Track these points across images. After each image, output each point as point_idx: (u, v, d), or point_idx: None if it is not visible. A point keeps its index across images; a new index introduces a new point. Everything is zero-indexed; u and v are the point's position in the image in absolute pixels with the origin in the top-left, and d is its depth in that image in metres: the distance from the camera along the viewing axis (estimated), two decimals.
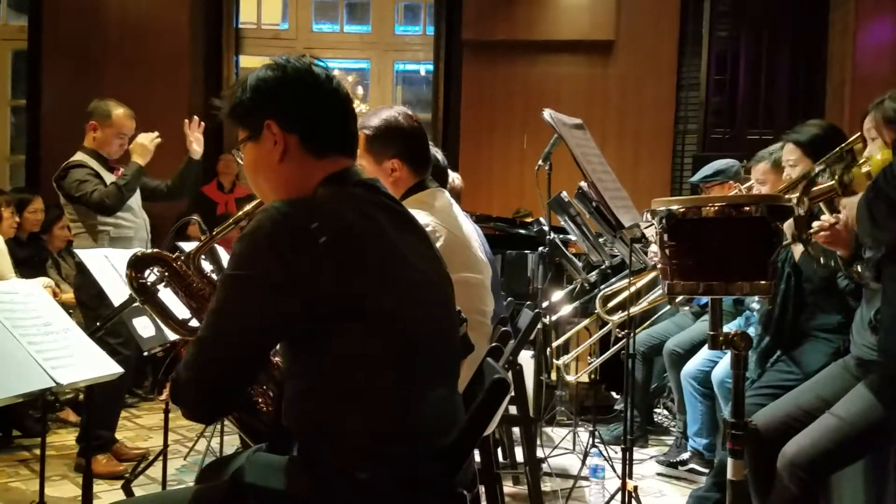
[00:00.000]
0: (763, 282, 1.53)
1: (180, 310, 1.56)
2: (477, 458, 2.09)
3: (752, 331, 2.81)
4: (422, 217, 1.96)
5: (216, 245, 1.77)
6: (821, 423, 1.96)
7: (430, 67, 6.52)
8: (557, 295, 3.83)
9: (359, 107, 7.24)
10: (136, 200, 3.49)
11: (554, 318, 3.76)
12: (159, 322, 1.69)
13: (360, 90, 6.37)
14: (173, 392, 1.27)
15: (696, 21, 6.23)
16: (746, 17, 6.27)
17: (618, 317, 2.64)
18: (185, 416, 1.31)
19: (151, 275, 1.56)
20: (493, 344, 1.95)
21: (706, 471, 3.25)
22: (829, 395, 2.05)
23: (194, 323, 1.52)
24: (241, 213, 1.56)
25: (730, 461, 1.61)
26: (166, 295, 1.59)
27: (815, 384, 2.18)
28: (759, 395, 2.34)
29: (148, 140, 3.43)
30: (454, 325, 1.42)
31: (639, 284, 2.88)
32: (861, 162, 1.66)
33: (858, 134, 1.98)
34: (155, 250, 1.62)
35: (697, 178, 3.61)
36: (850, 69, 5.82)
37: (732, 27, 6.29)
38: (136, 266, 1.56)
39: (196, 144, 3.55)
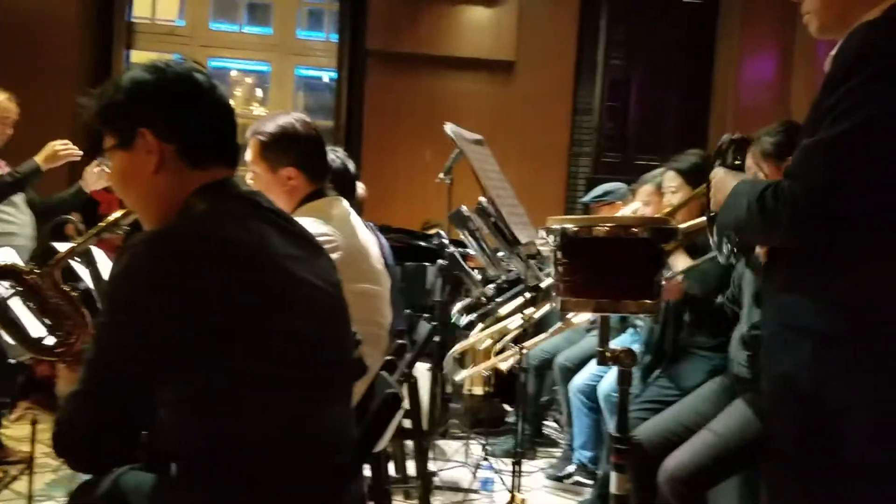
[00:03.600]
0: (649, 301, 1.59)
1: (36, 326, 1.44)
2: (367, 473, 2.06)
3: (636, 346, 2.92)
4: (318, 226, 1.91)
5: (93, 247, 1.66)
6: (699, 439, 2.05)
7: (334, 74, 6.45)
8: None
9: (257, 110, 7.07)
10: (20, 196, 3.27)
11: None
12: (10, 339, 1.54)
13: (259, 93, 6.22)
14: (56, 445, 1.16)
15: (591, 48, 6.47)
16: (639, 47, 6.57)
17: (515, 350, 2.68)
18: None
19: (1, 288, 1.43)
20: (388, 357, 1.93)
21: (591, 482, 3.34)
22: (708, 412, 2.15)
23: (50, 341, 1.40)
24: (102, 224, 1.46)
25: (613, 475, 1.64)
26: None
27: (694, 400, 2.29)
28: (641, 410, 2.43)
29: (62, 147, 3.21)
30: (348, 343, 1.38)
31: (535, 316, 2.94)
32: None
33: None
34: (4, 263, 1.49)
35: (589, 198, 3.78)
36: (733, 101, 6.22)
37: (626, 56, 6.57)
38: None
39: (90, 177, 3.35)
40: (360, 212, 3.16)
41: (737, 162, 1.72)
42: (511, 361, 3.07)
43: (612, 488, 1.64)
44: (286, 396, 1.19)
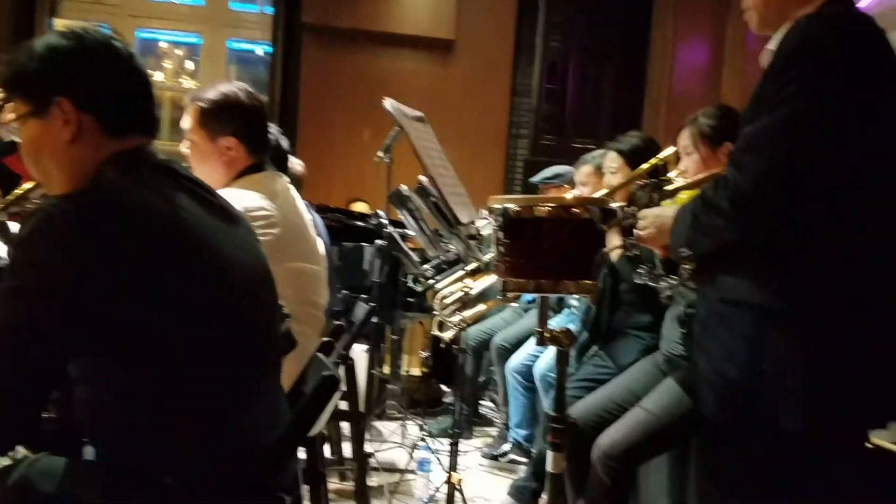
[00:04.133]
0: (588, 281, 1.60)
1: None
2: (302, 455, 2.02)
3: (573, 326, 2.96)
4: (257, 200, 1.85)
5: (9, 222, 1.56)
6: (632, 416, 2.09)
7: (268, 48, 6.27)
8: None
9: (187, 83, 6.82)
10: None
11: None
12: None
13: (189, 65, 6.00)
14: None
15: (530, 29, 6.48)
16: (577, 30, 6.62)
17: (457, 319, 2.67)
18: None
19: None
20: (325, 339, 1.89)
21: (526, 461, 3.38)
22: (640, 390, 2.19)
23: None
24: (10, 197, 1.37)
25: (549, 454, 1.65)
26: None
27: (627, 379, 2.33)
28: (576, 389, 2.46)
29: None
30: (274, 316, 1.34)
31: (474, 291, 2.93)
32: (670, 191, 1.78)
33: (674, 149, 2.13)
34: None
35: (538, 179, 3.80)
36: (668, 87, 6.35)
37: (564, 38, 6.61)
38: None
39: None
40: (299, 190, 3.09)
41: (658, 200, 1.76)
42: (452, 333, 3.06)
43: (548, 467, 1.65)
44: (210, 373, 1.15)
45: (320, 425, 1.41)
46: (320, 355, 1.67)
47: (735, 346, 1.36)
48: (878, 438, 1.76)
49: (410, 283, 3.62)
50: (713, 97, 6.07)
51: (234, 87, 1.95)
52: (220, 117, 1.91)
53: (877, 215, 1.34)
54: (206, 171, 1.89)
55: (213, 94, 1.92)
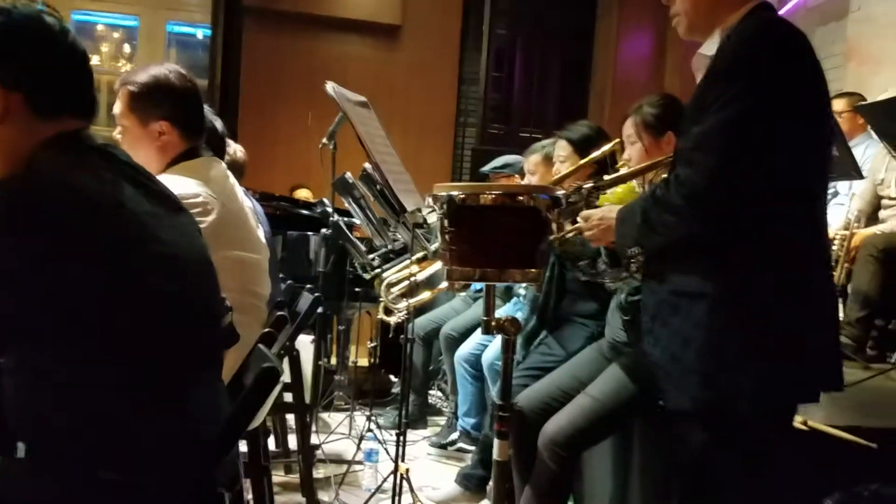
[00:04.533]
0: (533, 270, 1.59)
1: None
2: (243, 449, 1.98)
3: (520, 315, 2.97)
4: (192, 187, 1.79)
5: None
6: (577, 403, 2.11)
7: (208, 31, 6.09)
8: None
9: (125, 67, 6.58)
10: None
11: None
12: None
13: (126, 49, 5.79)
14: None
15: (477, 16, 6.46)
16: (523, 19, 6.63)
17: (403, 304, 2.65)
18: None
19: None
20: (267, 330, 1.84)
21: (473, 449, 3.39)
22: (585, 377, 2.21)
23: None
24: None
25: (496, 442, 1.65)
26: None
27: (572, 366, 2.34)
28: (523, 377, 2.47)
29: None
30: (215, 306, 1.30)
31: (421, 276, 2.92)
32: (608, 183, 1.80)
33: (618, 140, 2.15)
34: None
35: (488, 169, 3.80)
36: (612, 76, 6.42)
37: (510, 27, 6.62)
38: None
39: None
40: (240, 176, 3.01)
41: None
42: (398, 317, 3.04)
43: (495, 455, 1.65)
44: (149, 363, 1.11)
45: (260, 418, 1.38)
46: (262, 347, 1.63)
47: (690, 333, 1.40)
48: (814, 422, 1.81)
49: (359, 270, 3.57)
50: (656, 86, 6.17)
51: (165, 68, 1.87)
52: (151, 101, 1.84)
53: (809, 210, 1.44)
54: (139, 157, 1.80)
55: (143, 76, 1.84)
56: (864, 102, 3.46)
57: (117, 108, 1.87)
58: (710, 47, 1.48)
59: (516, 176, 3.70)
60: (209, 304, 1.28)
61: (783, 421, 1.49)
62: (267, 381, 1.27)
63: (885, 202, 3.35)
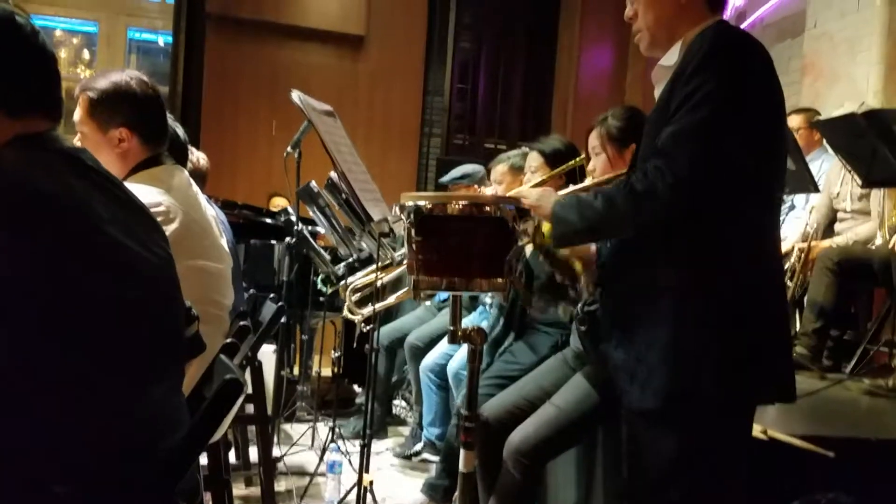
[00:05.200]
0: (499, 279, 1.60)
1: None
2: (204, 461, 1.94)
3: (485, 324, 2.97)
4: (154, 195, 1.76)
5: None
6: (542, 412, 2.12)
7: (169, 38, 6.01)
8: None
9: (84, 74, 6.46)
10: None
11: None
12: None
13: (86, 55, 5.68)
14: None
15: (442, 28, 6.49)
16: (487, 32, 6.69)
17: (367, 310, 2.62)
18: None
19: None
20: (230, 340, 1.81)
21: (437, 459, 3.38)
22: (550, 386, 2.22)
23: None
24: None
25: (462, 453, 1.64)
26: None
27: (537, 375, 2.35)
28: (488, 385, 2.47)
29: None
30: (177, 315, 1.27)
31: (386, 279, 2.90)
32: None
33: (584, 155, 2.18)
34: None
35: (447, 179, 3.81)
36: (574, 89, 6.50)
37: (474, 39, 6.67)
38: None
39: None
40: (202, 184, 2.96)
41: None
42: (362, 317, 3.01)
43: (460, 466, 1.64)
44: (106, 373, 1.08)
45: (222, 431, 1.35)
46: (224, 357, 1.60)
47: (655, 331, 1.42)
48: (773, 431, 1.84)
49: (320, 284, 3.54)
50: (618, 99, 6.26)
51: (125, 75, 1.84)
52: (111, 107, 1.81)
53: (768, 211, 1.49)
54: None
55: (102, 82, 1.81)
56: (820, 118, 3.56)
57: (77, 114, 1.84)
58: (669, 58, 1.52)
59: (475, 186, 3.72)
60: (170, 312, 1.25)
61: (745, 419, 1.50)
62: (229, 394, 1.24)
63: (840, 215, 3.45)
